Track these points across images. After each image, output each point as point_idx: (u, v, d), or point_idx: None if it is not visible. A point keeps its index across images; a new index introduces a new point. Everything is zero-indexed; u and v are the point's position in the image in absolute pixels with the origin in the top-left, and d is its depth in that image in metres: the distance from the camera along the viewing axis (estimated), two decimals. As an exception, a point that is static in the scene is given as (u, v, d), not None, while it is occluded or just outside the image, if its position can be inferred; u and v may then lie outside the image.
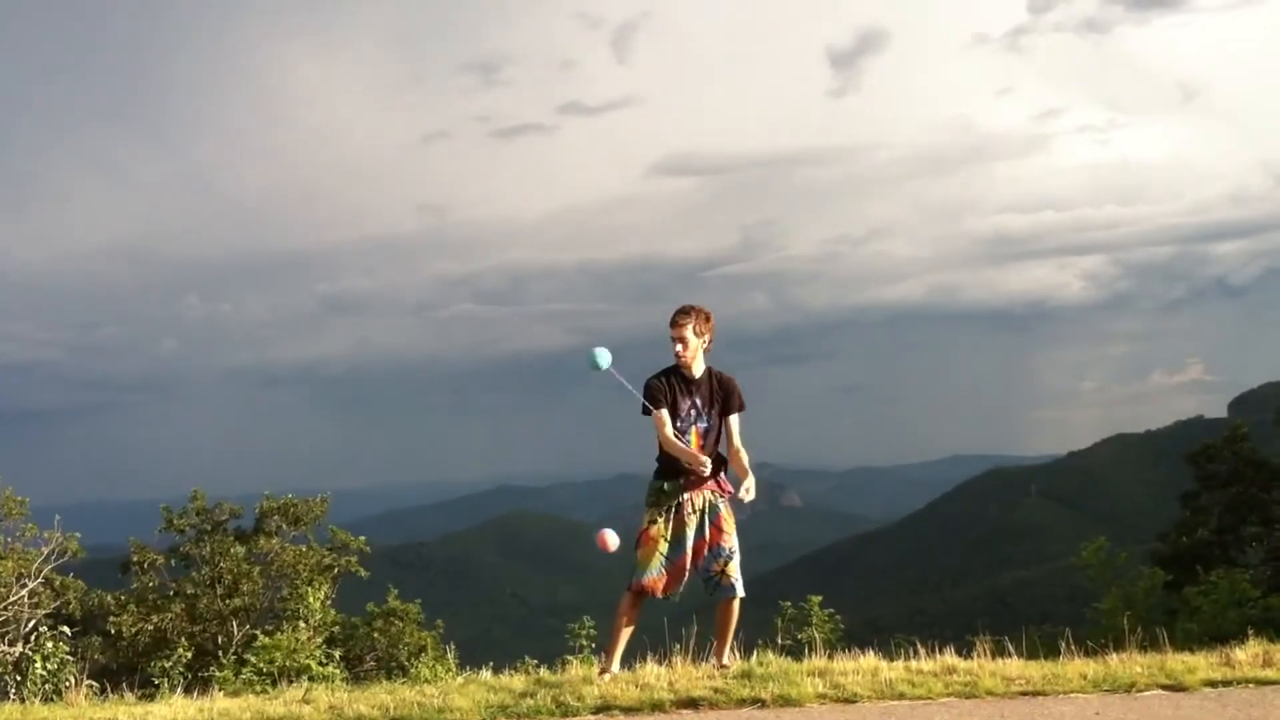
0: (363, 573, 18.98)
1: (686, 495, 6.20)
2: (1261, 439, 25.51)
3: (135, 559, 18.25)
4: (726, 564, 6.19)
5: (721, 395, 6.26)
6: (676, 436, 6.12)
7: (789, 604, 11.13)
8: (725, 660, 6.40)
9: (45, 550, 15.00)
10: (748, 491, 6.10)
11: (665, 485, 6.24)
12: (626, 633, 6.35)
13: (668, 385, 6.21)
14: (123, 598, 17.67)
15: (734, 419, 6.30)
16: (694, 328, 6.19)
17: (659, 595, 6.21)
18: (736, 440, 6.30)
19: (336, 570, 18.72)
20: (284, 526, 19.08)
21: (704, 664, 6.44)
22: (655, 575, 6.15)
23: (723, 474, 6.32)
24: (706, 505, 6.23)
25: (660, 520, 6.19)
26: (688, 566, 6.20)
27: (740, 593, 6.21)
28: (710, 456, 6.19)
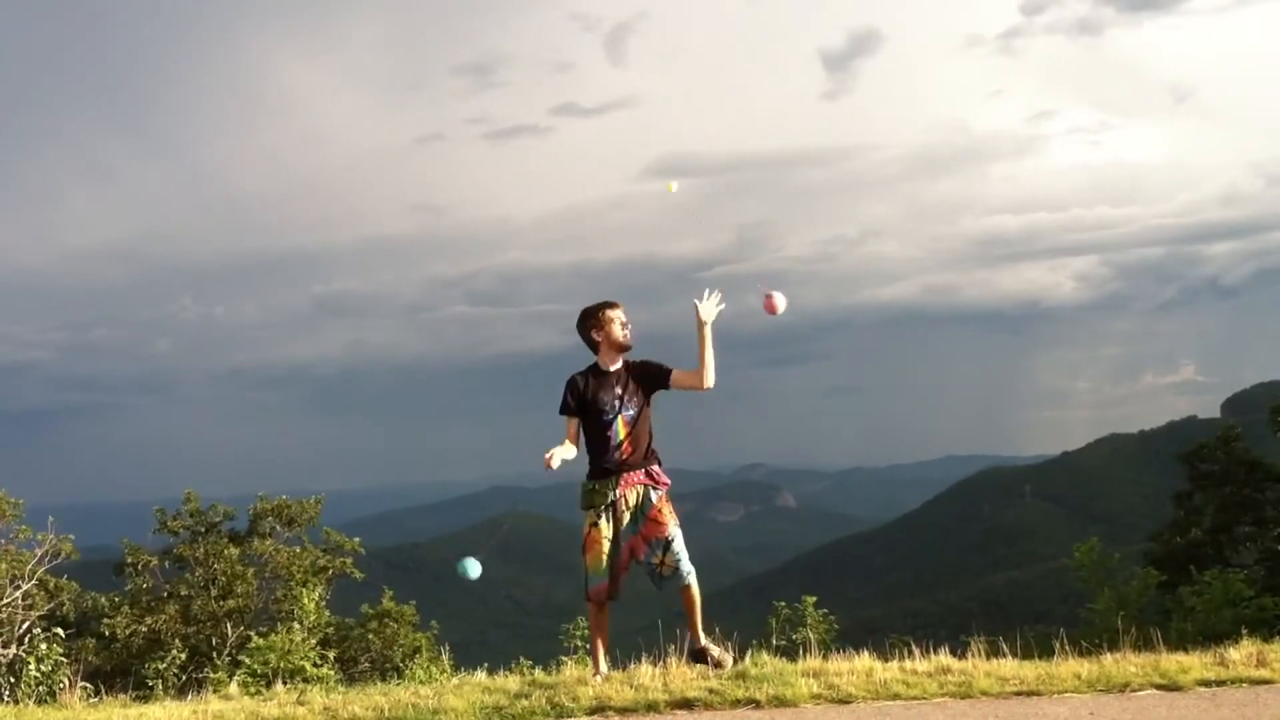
0: (357, 574, 18.99)
1: (619, 492, 6.12)
2: (1255, 439, 25.58)
3: (129, 561, 18.24)
4: (665, 554, 6.11)
5: (640, 375, 6.24)
6: (604, 425, 6.11)
7: (783, 604, 11.13)
8: (703, 642, 6.34)
9: (39, 552, 14.96)
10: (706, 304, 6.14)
11: (596, 485, 6.17)
12: (604, 633, 6.34)
13: (586, 382, 6.21)
14: (117, 599, 17.65)
15: (676, 375, 6.22)
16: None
17: (611, 599, 6.17)
18: (692, 377, 6.20)
19: (331, 572, 18.72)
20: (278, 528, 19.09)
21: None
22: (607, 579, 6.12)
23: (656, 466, 6.24)
24: (640, 499, 6.16)
25: (600, 520, 6.12)
26: (626, 564, 6.14)
27: (684, 581, 6.13)
28: (639, 445, 6.16)
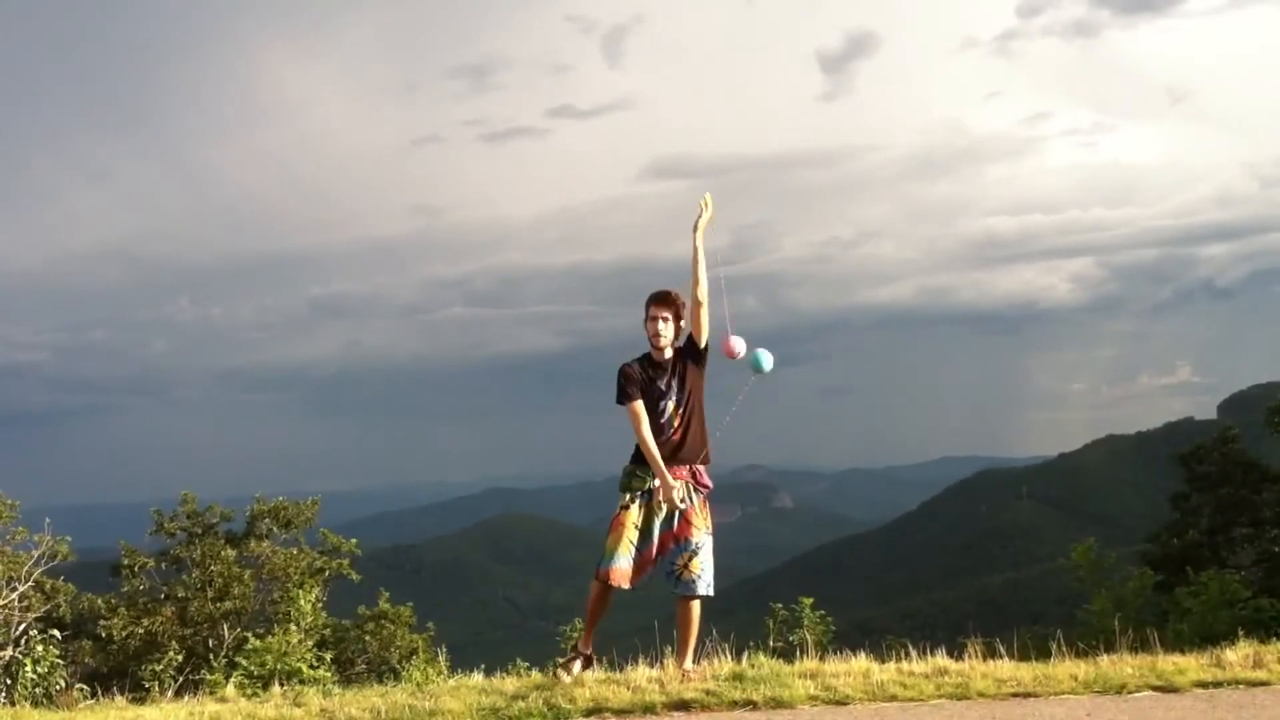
0: (354, 576, 18.99)
1: (659, 483, 6.07)
2: (1251, 440, 25.58)
3: (126, 562, 18.23)
4: (691, 559, 6.06)
5: (686, 359, 6.17)
6: (655, 414, 6.07)
7: (780, 605, 11.11)
8: (687, 664, 6.22)
9: (35, 553, 14.94)
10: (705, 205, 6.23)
11: (638, 469, 6.12)
12: (599, 614, 6.21)
13: (639, 372, 6.14)
14: (113, 601, 17.65)
15: (695, 320, 6.15)
16: (679, 311, 6.17)
17: (625, 587, 6.05)
18: (701, 312, 6.15)
19: (327, 573, 18.73)
20: (275, 529, 19.09)
21: (662, 668, 6.36)
22: (623, 565, 6.00)
23: (702, 466, 6.20)
24: (679, 495, 6.11)
25: (633, 506, 6.07)
26: (653, 558, 6.08)
27: (701, 592, 6.06)
28: (691, 435, 6.12)
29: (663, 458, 6.04)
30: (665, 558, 6.11)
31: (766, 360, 6.07)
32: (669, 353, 6.17)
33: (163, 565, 18.66)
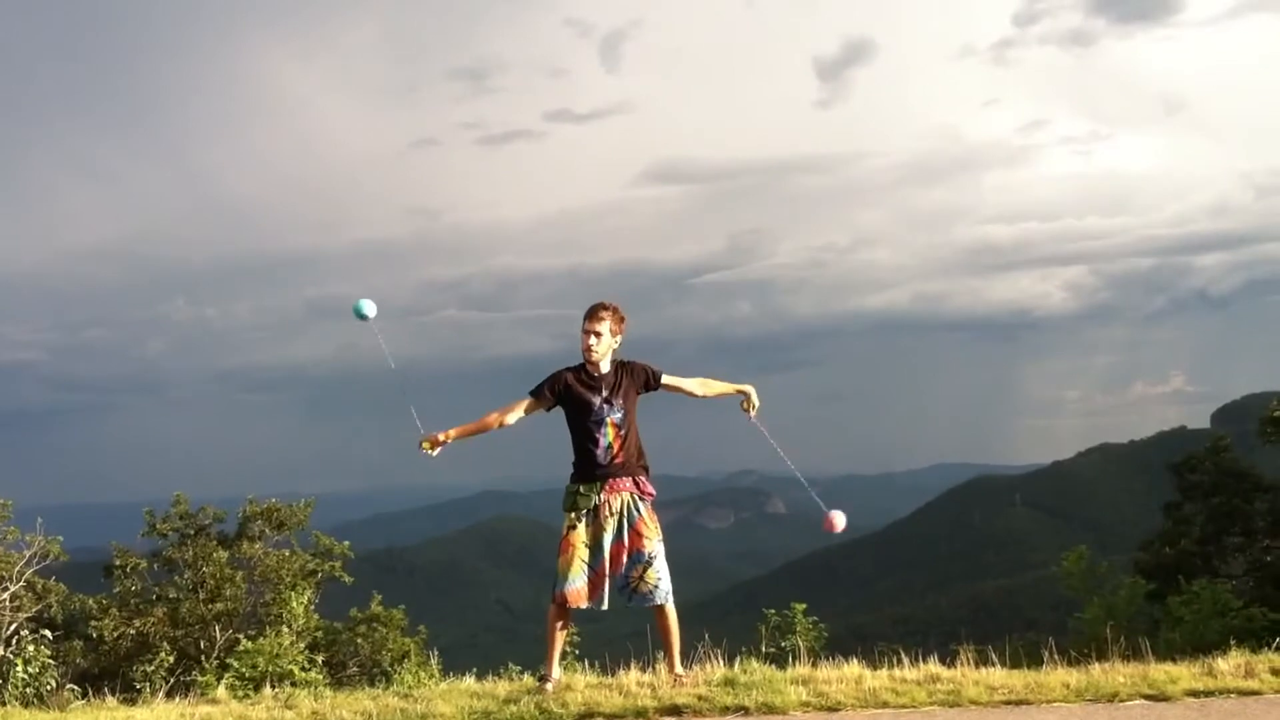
0: (346, 578, 18.95)
1: (603, 497, 6.02)
2: (1244, 450, 25.65)
3: (118, 563, 18.18)
4: (645, 570, 6.00)
5: (629, 378, 6.12)
6: (593, 427, 6.04)
7: (773, 611, 11.12)
8: (678, 669, 6.20)
9: (27, 553, 14.92)
10: (751, 405, 6.16)
11: (580, 488, 6.07)
12: (560, 639, 6.17)
13: (573, 380, 6.09)
14: (105, 601, 17.59)
15: (666, 378, 6.18)
16: (610, 325, 6.10)
17: (582, 606, 6.02)
18: (692, 384, 6.21)
19: (320, 575, 18.68)
20: (267, 531, 19.03)
21: (654, 673, 6.36)
22: (578, 586, 5.96)
23: (643, 476, 6.16)
24: (625, 508, 6.05)
25: (580, 525, 6.02)
26: (606, 573, 6.02)
27: (659, 600, 6.02)
28: (628, 451, 6.08)
29: (605, 471, 6.04)
30: (620, 571, 6.05)
31: (368, 307, 6.26)
32: (606, 366, 6.13)
33: (155, 566, 18.59)
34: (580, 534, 6.02)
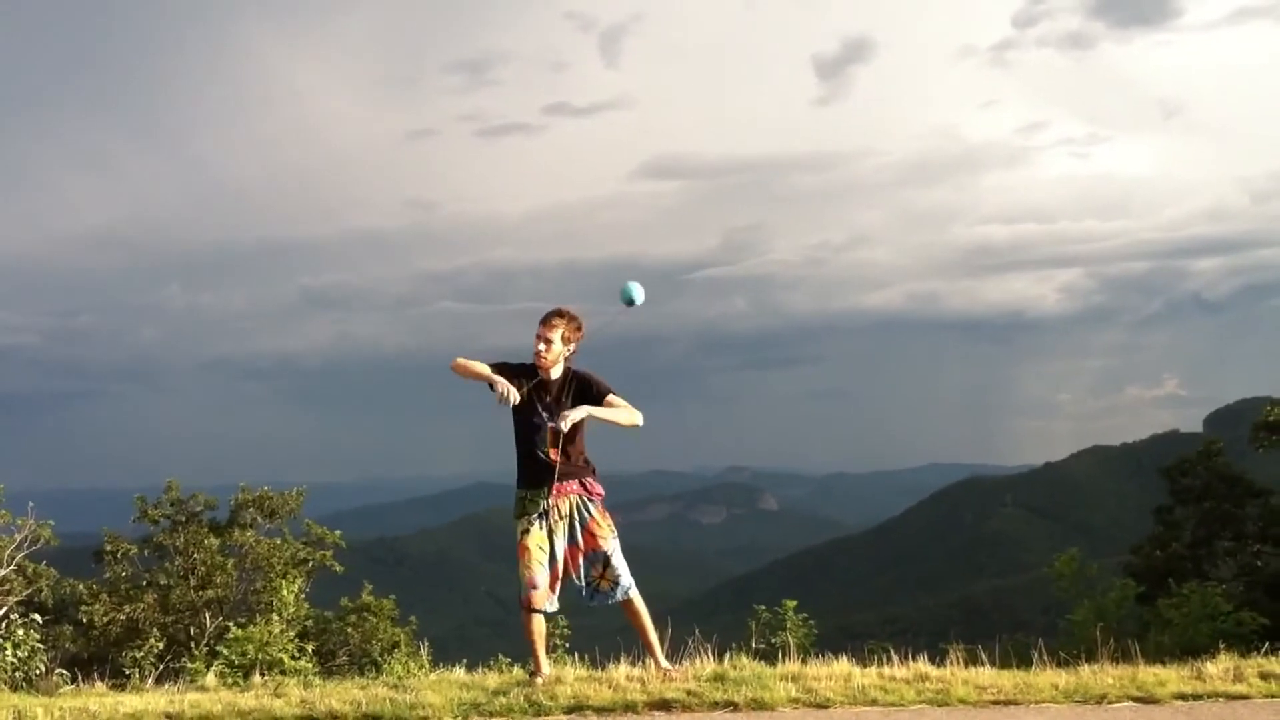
0: (337, 567, 18.97)
1: (551, 501, 6.01)
2: (1236, 454, 25.70)
3: (108, 548, 18.20)
4: (605, 569, 6.04)
5: (576, 389, 6.08)
6: (531, 431, 6.01)
7: (763, 608, 11.12)
8: (664, 663, 6.22)
9: (18, 537, 14.90)
10: (564, 418, 5.92)
11: (527, 494, 6.08)
12: (540, 637, 6.16)
13: (520, 371, 6.06)
14: (95, 587, 17.61)
15: (611, 398, 6.07)
16: (563, 333, 6.06)
17: (551, 609, 6.06)
18: (612, 413, 6.05)
19: (311, 564, 18.70)
20: (259, 519, 19.05)
21: (644, 667, 6.37)
22: (541, 588, 5.97)
23: (590, 477, 6.14)
24: (574, 509, 6.06)
25: (532, 529, 6.02)
26: (560, 575, 6.04)
27: (620, 597, 6.05)
28: (569, 454, 6.04)
29: (545, 479, 6.00)
30: (579, 574, 6.07)
31: (638, 292, 6.05)
32: (556, 373, 6.11)
33: (146, 552, 18.62)
34: (534, 537, 6.02)
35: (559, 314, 6.10)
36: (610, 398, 6.09)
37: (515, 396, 5.88)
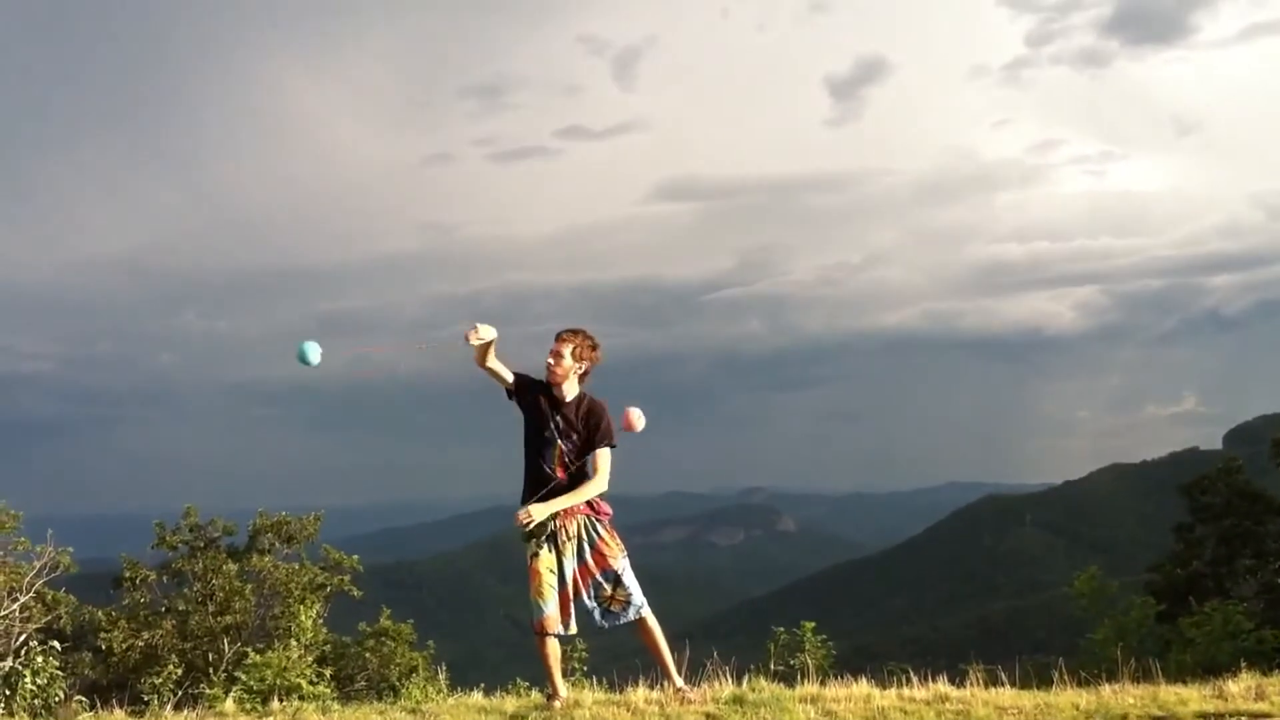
0: (355, 592, 18.98)
1: (559, 522, 5.98)
2: (1256, 471, 25.55)
3: (127, 575, 18.25)
4: (615, 588, 6.00)
5: (585, 422, 6.03)
6: (543, 445, 5.99)
7: (782, 629, 11.11)
8: (680, 684, 6.18)
9: (37, 564, 14.97)
10: (528, 514, 5.85)
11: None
12: (556, 660, 6.13)
13: (534, 385, 6.07)
14: (114, 613, 17.65)
15: (599, 453, 6.02)
16: (574, 350, 6.05)
17: (563, 631, 6.02)
18: (573, 496, 5.96)
19: (329, 589, 18.72)
20: (277, 544, 19.11)
21: (662, 690, 6.34)
22: (553, 611, 5.94)
23: (597, 497, 6.10)
24: (582, 530, 6.03)
25: (541, 551, 5.98)
26: (572, 597, 6.00)
27: (632, 616, 6.01)
28: (572, 477, 6.00)
29: (548, 496, 5.93)
30: (589, 594, 6.03)
31: (312, 353, 5.90)
32: (570, 395, 6.09)
33: (164, 578, 18.67)
34: (544, 560, 5.99)
35: (572, 332, 6.12)
36: (598, 453, 6.02)
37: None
